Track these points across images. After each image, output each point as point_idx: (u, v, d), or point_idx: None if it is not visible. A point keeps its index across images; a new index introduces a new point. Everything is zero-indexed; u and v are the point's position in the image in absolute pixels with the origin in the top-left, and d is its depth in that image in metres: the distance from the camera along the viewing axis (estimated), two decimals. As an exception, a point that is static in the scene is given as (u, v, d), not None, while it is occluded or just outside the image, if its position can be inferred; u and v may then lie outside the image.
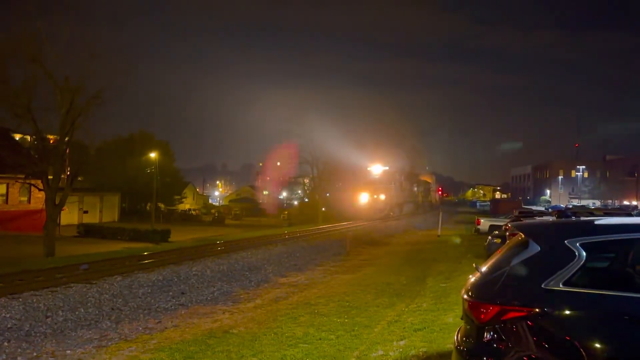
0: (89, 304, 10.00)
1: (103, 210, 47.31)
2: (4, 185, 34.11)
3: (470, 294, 3.83)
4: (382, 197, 46.90)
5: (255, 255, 18.13)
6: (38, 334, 8.09)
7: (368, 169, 48.62)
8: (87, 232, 34.29)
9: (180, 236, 32.25)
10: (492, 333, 3.59)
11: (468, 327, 3.88)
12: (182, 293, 11.64)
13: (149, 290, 11.56)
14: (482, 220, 28.23)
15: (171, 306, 10.51)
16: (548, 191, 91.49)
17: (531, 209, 36.39)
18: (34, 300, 9.99)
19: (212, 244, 22.24)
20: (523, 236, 3.99)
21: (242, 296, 11.83)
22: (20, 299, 9.91)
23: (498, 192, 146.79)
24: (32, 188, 29.21)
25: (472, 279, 4.06)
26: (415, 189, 64.64)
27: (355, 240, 23.38)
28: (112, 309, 9.80)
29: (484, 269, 4.03)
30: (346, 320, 9.03)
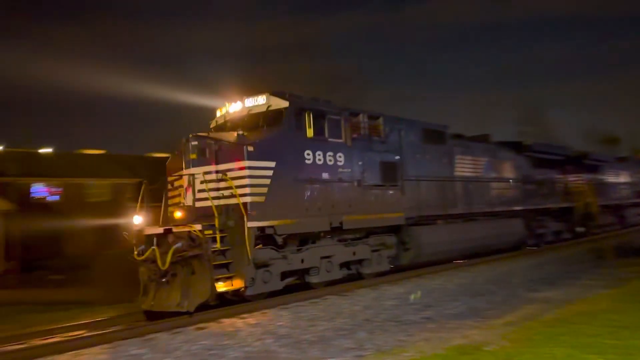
0: (344, 315, 10.83)
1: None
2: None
3: None
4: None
5: (498, 267, 17.31)
6: (304, 342, 9.03)
7: (221, 112, 13.45)
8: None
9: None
10: None
11: None
12: (428, 306, 11.76)
13: (396, 303, 11.99)
14: None
15: (418, 319, 10.68)
16: None
17: None
18: (299, 310, 11.30)
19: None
20: None
21: (489, 312, 11.37)
22: (289, 309, 11.32)
23: None
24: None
25: None
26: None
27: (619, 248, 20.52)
28: (365, 320, 10.43)
29: None
30: (617, 342, 7.93)
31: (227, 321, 10.36)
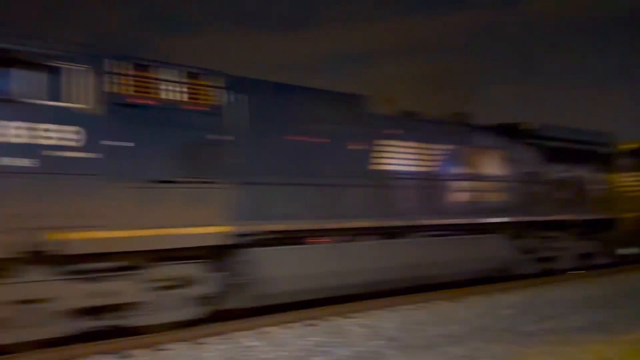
0: (455, 321, 10.50)
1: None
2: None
3: None
4: None
5: (633, 278, 15.85)
6: (413, 347, 8.83)
7: None
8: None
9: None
10: None
11: None
12: (548, 317, 11.07)
13: (512, 313, 11.42)
14: None
15: (537, 330, 10.09)
16: None
17: None
18: (407, 314, 11.14)
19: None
20: None
21: (618, 327, 10.41)
22: (397, 312, 11.20)
23: None
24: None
25: None
26: None
27: None
28: (479, 328, 10.02)
29: None
30: None
31: (335, 319, 10.47)
